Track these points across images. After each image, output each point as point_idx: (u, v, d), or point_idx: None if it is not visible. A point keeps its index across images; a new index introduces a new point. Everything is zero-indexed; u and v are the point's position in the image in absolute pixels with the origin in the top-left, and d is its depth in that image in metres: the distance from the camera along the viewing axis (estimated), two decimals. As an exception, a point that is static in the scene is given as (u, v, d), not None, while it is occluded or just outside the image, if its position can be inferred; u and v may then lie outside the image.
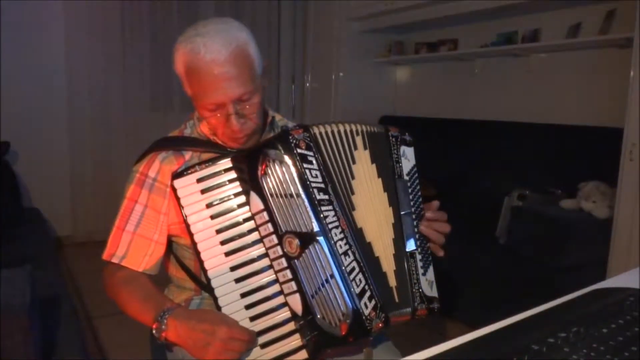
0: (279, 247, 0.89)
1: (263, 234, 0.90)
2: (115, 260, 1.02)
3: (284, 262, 0.89)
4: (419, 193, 1.00)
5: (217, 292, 0.90)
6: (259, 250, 0.91)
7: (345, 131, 0.94)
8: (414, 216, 0.97)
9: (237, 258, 0.91)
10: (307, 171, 0.87)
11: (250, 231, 0.91)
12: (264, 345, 0.89)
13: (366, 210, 0.92)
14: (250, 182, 0.91)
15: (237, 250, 0.91)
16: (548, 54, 3.14)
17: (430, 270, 0.97)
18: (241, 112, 0.96)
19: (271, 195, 0.88)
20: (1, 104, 3.40)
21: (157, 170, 1.03)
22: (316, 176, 0.88)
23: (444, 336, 0.84)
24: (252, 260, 0.91)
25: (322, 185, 0.88)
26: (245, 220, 0.92)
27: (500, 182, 2.89)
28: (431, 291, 0.96)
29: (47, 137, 3.75)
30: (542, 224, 2.41)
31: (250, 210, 0.91)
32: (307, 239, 0.86)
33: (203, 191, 0.93)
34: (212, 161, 0.94)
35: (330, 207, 0.87)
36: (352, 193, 0.91)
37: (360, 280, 0.86)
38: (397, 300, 0.91)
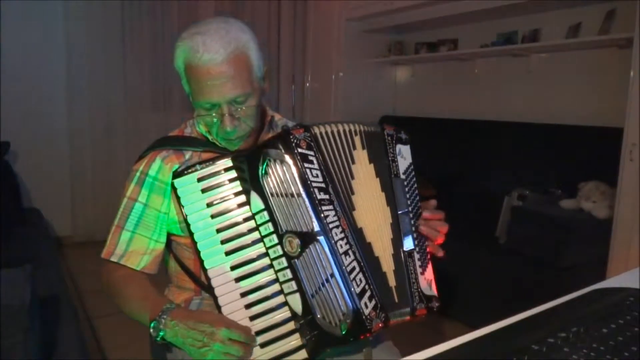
0: (279, 247, 0.89)
1: (263, 233, 0.90)
2: (114, 258, 1.02)
3: (284, 262, 0.89)
4: (416, 191, 0.99)
5: (216, 292, 0.90)
6: (259, 249, 0.91)
7: (344, 131, 0.94)
8: (411, 215, 0.97)
9: (237, 257, 0.91)
10: (307, 171, 0.87)
11: (250, 230, 0.91)
12: (264, 345, 0.89)
13: (366, 211, 0.92)
14: (251, 181, 0.91)
15: (238, 249, 0.91)
16: (548, 54, 3.14)
17: (429, 268, 0.97)
18: (235, 113, 0.96)
19: (272, 194, 0.88)
20: (1, 104, 3.40)
21: (157, 169, 1.03)
22: (317, 176, 0.88)
23: (444, 336, 0.84)
24: (252, 260, 0.91)
25: (323, 185, 0.88)
26: (246, 219, 0.92)
27: (500, 182, 2.89)
28: (430, 290, 0.96)
29: (47, 137, 3.75)
30: (542, 224, 2.41)
31: (250, 209, 0.91)
32: (307, 238, 0.86)
33: (203, 190, 0.92)
34: (213, 160, 0.94)
35: (330, 207, 0.87)
36: (352, 193, 0.91)
37: (360, 280, 0.86)
38: (396, 300, 0.91)
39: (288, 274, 0.88)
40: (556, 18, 3.01)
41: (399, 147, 1.00)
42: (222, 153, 1.00)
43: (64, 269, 3.14)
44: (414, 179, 1.00)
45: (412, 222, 0.97)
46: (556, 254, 2.28)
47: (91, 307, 2.70)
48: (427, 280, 0.96)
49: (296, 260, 0.87)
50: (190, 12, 4.06)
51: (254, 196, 0.90)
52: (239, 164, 0.93)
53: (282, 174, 0.87)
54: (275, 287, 0.90)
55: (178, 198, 0.93)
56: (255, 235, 0.91)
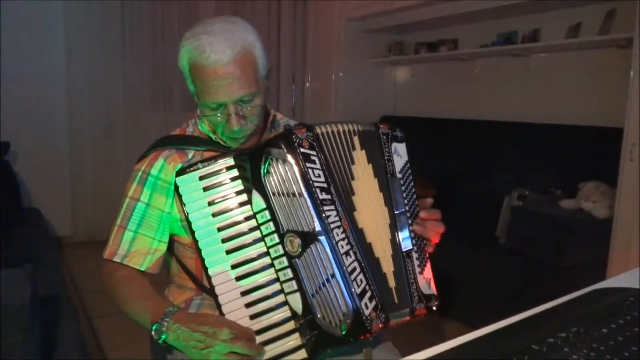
0: (280, 246, 0.89)
1: (264, 232, 0.90)
2: (117, 259, 1.02)
3: (285, 261, 0.89)
4: (413, 190, 0.99)
5: (217, 290, 0.90)
6: (260, 248, 0.91)
7: (344, 131, 0.94)
8: (408, 214, 0.97)
9: (238, 256, 0.91)
10: (309, 170, 0.87)
11: (251, 230, 0.91)
12: (263, 344, 0.89)
13: (366, 211, 0.92)
14: (253, 180, 0.91)
15: (239, 248, 0.91)
16: (548, 54, 3.14)
17: (428, 267, 0.97)
18: (241, 113, 0.97)
19: (273, 193, 0.88)
20: (1, 104, 3.40)
21: (159, 168, 1.03)
22: (319, 175, 0.88)
23: (444, 336, 0.84)
24: (253, 259, 0.91)
25: (325, 185, 0.88)
26: (247, 218, 0.92)
27: (500, 182, 2.89)
28: (429, 289, 0.96)
29: (47, 137, 3.75)
30: (542, 224, 2.41)
31: (251, 208, 0.91)
32: (308, 238, 0.86)
33: (205, 189, 0.92)
34: (215, 159, 0.94)
35: (332, 207, 0.87)
36: (353, 194, 0.91)
37: (361, 280, 0.86)
38: (396, 301, 0.91)
39: (289, 273, 0.88)
40: (556, 18, 3.01)
41: (394, 145, 0.99)
42: (224, 152, 1.00)
43: (64, 269, 3.14)
44: (411, 177, 0.99)
45: (410, 221, 0.97)
46: (556, 254, 2.28)
47: (91, 307, 2.70)
48: (426, 279, 0.96)
49: (297, 259, 0.87)
50: (190, 12, 4.06)
51: (256, 195, 0.90)
52: (240, 163, 0.93)
53: (284, 173, 0.87)
54: (276, 287, 0.90)
55: (180, 196, 0.93)
56: (256, 234, 0.91)
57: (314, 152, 0.88)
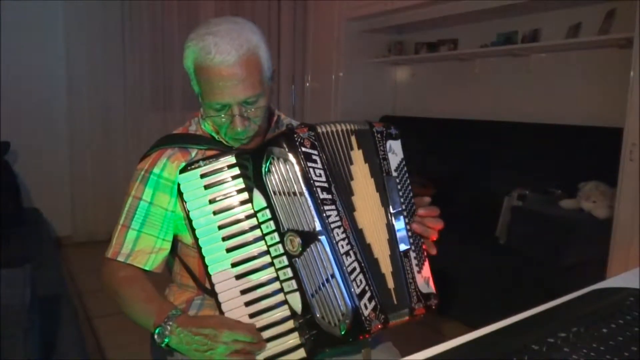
0: (280, 245, 0.89)
1: (265, 231, 0.90)
2: (121, 258, 1.01)
3: (285, 260, 0.89)
4: (409, 187, 0.98)
5: (217, 288, 0.90)
6: (260, 247, 0.91)
7: (343, 130, 0.94)
8: (405, 213, 0.96)
9: (238, 255, 0.91)
10: (311, 170, 0.87)
11: (252, 228, 0.91)
12: (262, 343, 0.89)
13: (364, 212, 0.92)
14: (254, 179, 0.91)
15: (239, 246, 0.91)
16: (548, 54, 3.14)
17: (426, 265, 0.97)
18: (246, 114, 0.97)
19: (274, 192, 0.88)
20: (1, 104, 3.40)
21: (162, 167, 1.03)
22: (320, 175, 0.87)
23: (443, 336, 0.84)
24: (253, 258, 0.91)
25: (326, 185, 0.88)
26: (248, 217, 0.92)
27: (500, 182, 2.89)
28: (428, 288, 0.95)
29: (47, 137, 3.75)
30: (542, 224, 2.41)
31: (252, 207, 0.91)
32: (309, 237, 0.86)
33: (206, 187, 0.93)
34: (216, 157, 0.94)
35: (333, 207, 0.87)
36: (352, 194, 0.91)
37: (360, 280, 0.86)
38: (395, 302, 0.90)
39: (288, 272, 0.88)
40: (556, 18, 3.01)
41: (389, 143, 0.98)
42: (226, 150, 1.00)
43: (64, 269, 3.14)
44: (406, 175, 0.99)
45: (407, 220, 0.96)
46: (556, 254, 2.28)
47: (91, 307, 2.70)
48: (424, 278, 0.96)
49: (297, 259, 0.87)
50: (190, 12, 4.06)
51: (257, 194, 0.90)
52: (242, 161, 0.93)
53: (285, 172, 0.87)
54: (276, 286, 0.90)
55: (181, 194, 0.93)
56: (257, 232, 0.91)
57: (316, 152, 0.88)
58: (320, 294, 0.86)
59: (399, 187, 0.97)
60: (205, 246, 0.91)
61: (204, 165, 0.93)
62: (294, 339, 0.89)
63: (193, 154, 1.05)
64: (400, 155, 0.99)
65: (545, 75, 3.14)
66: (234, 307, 0.89)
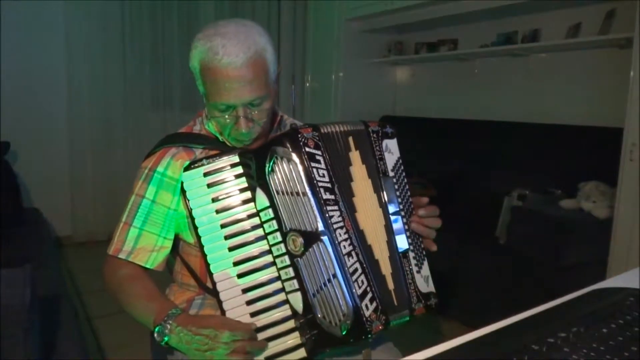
0: (282, 245, 0.89)
1: (267, 230, 0.91)
2: (122, 255, 1.02)
3: (286, 260, 0.89)
4: (407, 187, 0.98)
5: (219, 287, 0.90)
6: (262, 246, 0.91)
7: (342, 132, 0.94)
8: (402, 213, 0.96)
9: (240, 253, 0.91)
10: (314, 170, 0.87)
11: (254, 227, 0.92)
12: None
13: (364, 213, 0.92)
14: (257, 178, 0.91)
15: (241, 245, 0.91)
16: (548, 54, 3.14)
17: (425, 264, 0.97)
18: (250, 116, 0.97)
19: (277, 192, 0.89)
20: (1, 104, 3.40)
21: (166, 166, 1.03)
22: (323, 175, 0.87)
23: (444, 336, 0.84)
24: (255, 257, 0.91)
25: (329, 185, 0.88)
26: (250, 216, 0.92)
27: (500, 182, 2.89)
28: (427, 287, 0.95)
29: (47, 137, 3.75)
30: (542, 224, 2.41)
31: (255, 206, 0.92)
32: (311, 237, 0.86)
33: (209, 185, 0.93)
34: (220, 156, 0.94)
35: (335, 207, 0.87)
36: (353, 195, 0.91)
37: (362, 281, 0.86)
38: (396, 303, 0.91)
39: (290, 272, 0.89)
40: (556, 18, 3.01)
41: (385, 142, 0.98)
42: (230, 150, 1.00)
43: (64, 269, 3.15)
44: (403, 174, 0.98)
45: (404, 220, 0.96)
46: (556, 254, 2.28)
47: (91, 307, 2.70)
48: (424, 277, 0.96)
49: (299, 259, 0.87)
50: (190, 12, 4.07)
51: (260, 193, 0.91)
52: (245, 160, 0.93)
53: (288, 172, 0.87)
54: (277, 285, 0.90)
55: (184, 192, 0.93)
56: (259, 232, 0.91)
57: (319, 152, 0.88)
58: (322, 294, 0.86)
59: (396, 186, 0.97)
60: (207, 245, 0.91)
61: (207, 163, 0.93)
62: (294, 339, 0.89)
63: (197, 153, 1.05)
64: (397, 154, 0.99)
65: (545, 75, 3.14)
66: (236, 306, 0.90)
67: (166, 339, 0.89)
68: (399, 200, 0.96)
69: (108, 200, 3.80)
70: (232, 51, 0.91)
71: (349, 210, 0.89)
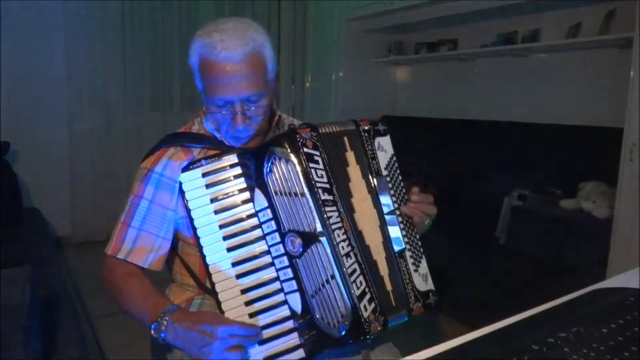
0: (281, 245, 0.89)
1: (266, 231, 0.91)
2: (120, 255, 1.02)
3: (285, 261, 0.89)
4: (401, 184, 0.98)
5: (217, 287, 0.90)
6: (261, 247, 0.91)
7: (337, 132, 0.94)
8: (398, 212, 0.96)
9: (239, 254, 0.91)
10: (312, 171, 0.86)
11: (253, 228, 0.92)
12: (262, 342, 0.89)
13: (362, 213, 0.91)
14: (256, 178, 0.91)
15: (240, 246, 0.91)
16: (548, 54, 3.14)
17: (423, 262, 0.97)
18: (247, 112, 0.97)
19: (276, 193, 0.89)
20: (1, 104, 3.40)
21: (164, 166, 1.03)
22: (322, 176, 0.87)
23: (444, 336, 0.84)
24: (254, 257, 0.91)
25: (327, 186, 0.87)
26: (249, 216, 0.92)
27: (500, 182, 2.89)
28: (426, 285, 0.95)
29: (47, 137, 3.74)
30: (542, 224, 2.41)
31: (254, 206, 0.91)
32: (309, 238, 0.86)
33: (208, 185, 0.93)
34: (218, 156, 0.95)
35: (334, 208, 0.87)
36: (351, 196, 0.91)
37: (361, 282, 0.86)
38: (394, 304, 0.91)
39: (289, 273, 0.89)
40: (556, 18, 3.01)
41: (377, 140, 0.98)
42: (229, 150, 1.00)
43: (64, 269, 3.14)
44: (397, 172, 0.98)
45: (400, 219, 0.95)
46: (556, 254, 2.28)
47: (91, 307, 2.69)
48: (422, 275, 0.95)
49: (297, 259, 0.87)
50: (190, 12, 4.06)
51: (258, 193, 0.91)
52: (244, 161, 0.93)
53: (286, 172, 0.87)
54: (276, 286, 0.90)
55: (182, 193, 0.93)
56: (258, 232, 0.91)
57: (317, 152, 0.88)
58: (320, 295, 0.86)
59: (390, 185, 0.96)
60: (206, 245, 0.91)
61: (206, 164, 0.94)
62: (293, 339, 0.89)
63: (195, 153, 1.05)
64: (390, 151, 0.99)
65: (545, 75, 3.14)
66: (234, 306, 0.90)
67: (163, 335, 0.89)
68: (394, 199, 0.96)
69: (108, 200, 3.79)
70: (231, 46, 0.91)
71: (348, 211, 0.89)
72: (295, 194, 0.87)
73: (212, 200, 0.92)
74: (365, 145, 0.96)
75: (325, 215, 0.85)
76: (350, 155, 0.94)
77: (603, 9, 2.72)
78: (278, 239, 0.89)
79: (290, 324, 0.89)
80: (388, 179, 0.96)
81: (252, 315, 0.90)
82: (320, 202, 0.86)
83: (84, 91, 3.77)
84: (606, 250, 2.18)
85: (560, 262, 2.27)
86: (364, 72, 4.13)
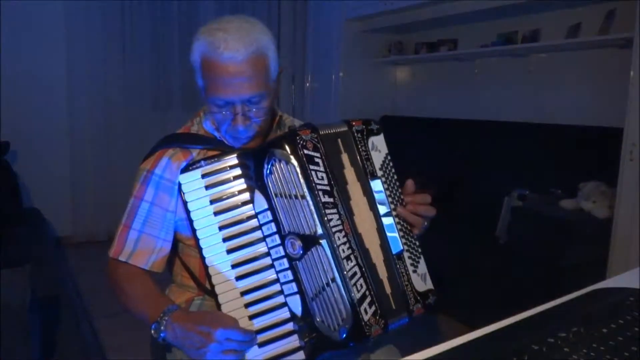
0: (281, 248, 0.89)
1: (266, 233, 0.90)
2: (122, 257, 1.02)
3: (285, 263, 0.88)
4: (397, 184, 0.96)
5: (217, 289, 0.90)
6: (261, 249, 0.91)
7: (333, 133, 0.92)
8: (394, 213, 0.94)
9: (239, 256, 0.91)
10: (312, 173, 0.86)
11: (253, 229, 0.91)
12: (262, 345, 0.89)
13: (360, 216, 0.91)
14: (256, 180, 0.91)
15: (239, 248, 0.91)
16: (548, 54, 3.14)
17: (422, 262, 0.95)
18: (248, 113, 0.96)
19: (275, 194, 0.88)
20: (1, 104, 3.40)
21: (163, 167, 1.03)
22: (322, 178, 0.86)
23: (444, 336, 0.83)
24: (254, 259, 0.91)
25: (328, 188, 0.87)
26: (249, 218, 0.92)
27: (500, 182, 2.89)
28: (425, 285, 0.94)
29: (47, 137, 3.75)
30: (542, 224, 2.41)
31: (254, 208, 0.91)
32: (309, 241, 0.85)
33: (207, 187, 0.92)
34: (218, 157, 0.94)
35: (334, 211, 0.86)
36: (350, 198, 0.90)
37: (361, 285, 0.85)
38: (394, 307, 0.90)
39: (289, 275, 0.88)
40: (556, 18, 3.01)
41: (371, 140, 0.95)
42: (228, 150, 0.99)
43: (64, 269, 3.14)
44: (393, 171, 0.96)
45: (396, 220, 0.94)
46: (556, 254, 2.28)
47: (91, 307, 2.69)
48: (420, 276, 0.95)
49: (298, 262, 0.87)
50: (190, 12, 4.06)
51: (258, 195, 0.90)
52: (244, 162, 0.93)
53: (287, 174, 0.87)
54: (276, 288, 0.90)
55: (182, 194, 0.93)
56: (258, 234, 0.91)
57: (318, 154, 0.87)
58: (321, 298, 0.85)
59: (385, 185, 0.94)
60: (205, 246, 0.91)
61: (206, 165, 0.93)
62: (293, 342, 0.89)
63: (194, 154, 1.05)
64: (385, 150, 0.97)
65: (545, 75, 3.14)
66: (234, 308, 0.90)
67: (162, 335, 0.89)
68: (390, 199, 0.94)
69: (108, 200, 3.79)
70: (234, 46, 0.90)
71: (348, 214, 0.88)
72: (296, 196, 0.86)
73: (212, 202, 0.92)
74: (359, 147, 0.94)
75: (325, 218, 0.85)
76: (344, 158, 0.92)
77: (603, 9, 2.72)
78: (278, 241, 0.89)
79: (290, 326, 0.89)
80: (383, 179, 0.94)
81: (252, 317, 0.89)
82: (321, 204, 0.85)
83: (84, 91, 3.77)
84: (606, 250, 2.18)
85: (560, 262, 2.26)
86: (364, 72, 4.13)
